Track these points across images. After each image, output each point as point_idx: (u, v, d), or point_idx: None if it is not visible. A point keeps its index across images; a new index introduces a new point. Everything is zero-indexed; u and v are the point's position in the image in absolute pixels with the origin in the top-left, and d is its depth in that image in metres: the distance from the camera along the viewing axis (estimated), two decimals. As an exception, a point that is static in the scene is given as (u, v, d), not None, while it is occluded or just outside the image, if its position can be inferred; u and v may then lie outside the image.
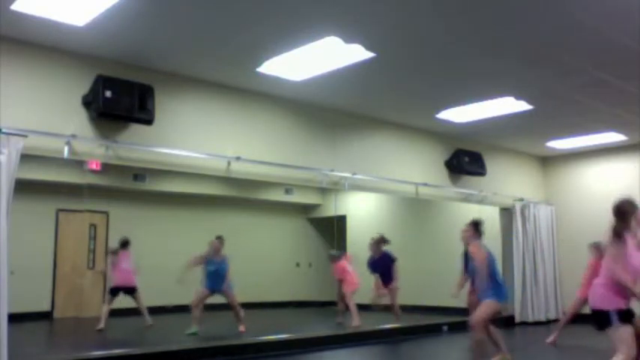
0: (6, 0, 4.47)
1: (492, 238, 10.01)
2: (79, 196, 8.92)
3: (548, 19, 4.81)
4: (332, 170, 7.46)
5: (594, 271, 5.92)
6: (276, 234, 12.55)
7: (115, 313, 8.26)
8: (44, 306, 7.29)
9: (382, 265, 8.81)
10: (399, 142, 8.46)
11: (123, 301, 8.37)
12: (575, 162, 10.42)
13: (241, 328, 7.82)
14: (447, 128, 8.55)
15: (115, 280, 8.26)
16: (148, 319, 8.28)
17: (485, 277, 5.49)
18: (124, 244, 8.54)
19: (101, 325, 7.79)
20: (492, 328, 5.73)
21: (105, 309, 7.97)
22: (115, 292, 8.12)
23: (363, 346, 7.39)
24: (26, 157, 5.09)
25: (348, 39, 5.19)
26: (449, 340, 8.10)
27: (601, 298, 4.01)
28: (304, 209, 12.88)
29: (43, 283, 7.21)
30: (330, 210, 10.56)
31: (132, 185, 9.41)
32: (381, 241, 8.98)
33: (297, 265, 12.63)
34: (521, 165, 10.43)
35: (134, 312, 8.74)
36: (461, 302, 7.37)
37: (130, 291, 8.21)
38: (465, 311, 7.45)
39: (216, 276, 7.84)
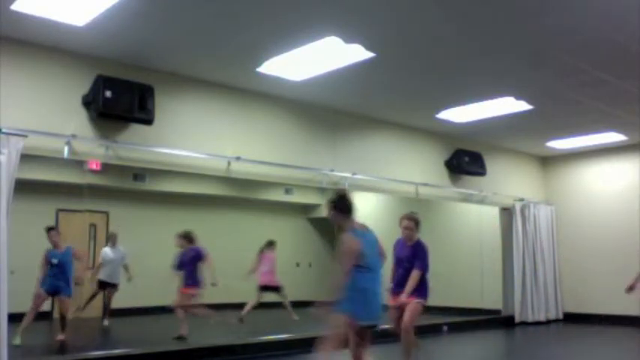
0: (6, 0, 4.47)
1: (492, 238, 10.10)
2: (79, 196, 8.90)
3: (549, 19, 4.80)
4: (332, 170, 7.47)
5: None
6: (276, 234, 12.53)
7: (119, 313, 8.35)
8: (44, 306, 7.29)
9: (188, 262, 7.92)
10: (399, 142, 8.46)
11: (128, 301, 8.44)
12: (575, 162, 10.42)
13: (61, 336, 7.11)
14: (447, 128, 8.55)
15: (259, 280, 9.14)
16: (293, 314, 9.09)
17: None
18: (269, 244, 9.37)
19: (243, 314, 8.68)
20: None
21: (252, 303, 8.89)
22: (262, 289, 9.04)
23: (363, 346, 7.37)
24: (26, 157, 5.09)
25: (348, 39, 5.19)
26: (449, 340, 8.09)
27: None
28: (304, 209, 12.87)
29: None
30: (330, 210, 10.58)
31: (132, 185, 9.40)
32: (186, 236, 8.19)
33: (297, 265, 12.62)
34: (521, 165, 10.43)
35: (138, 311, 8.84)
36: (462, 302, 7.37)
37: (275, 289, 9.13)
38: (466, 311, 7.48)
39: (59, 274, 7.07)
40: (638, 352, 7.04)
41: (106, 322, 8.35)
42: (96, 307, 8.56)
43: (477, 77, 6.37)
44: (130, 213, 10.35)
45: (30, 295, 7.01)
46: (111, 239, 8.78)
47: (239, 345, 6.66)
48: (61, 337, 7.21)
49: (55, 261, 7.06)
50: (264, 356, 6.53)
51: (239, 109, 6.80)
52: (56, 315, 7.56)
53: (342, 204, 4.12)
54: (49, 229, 7.20)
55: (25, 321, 6.80)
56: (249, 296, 11.73)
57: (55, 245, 7.14)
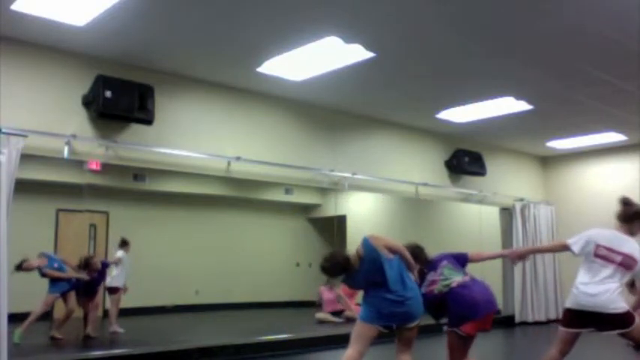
0: (6, 0, 4.47)
1: (492, 238, 10.10)
2: (79, 196, 8.91)
3: (549, 19, 4.81)
4: (332, 170, 7.46)
5: None
6: (276, 234, 12.55)
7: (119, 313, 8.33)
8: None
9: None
10: (399, 142, 8.45)
11: (128, 301, 8.44)
12: (575, 162, 10.42)
13: (57, 334, 7.26)
14: (447, 128, 8.55)
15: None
16: None
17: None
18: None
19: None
20: None
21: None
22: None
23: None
24: (26, 157, 5.09)
25: (348, 39, 5.19)
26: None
27: None
28: (304, 209, 12.87)
29: (43, 283, 7.22)
30: (330, 210, 10.54)
31: (132, 185, 9.41)
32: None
33: (297, 265, 12.62)
34: (521, 165, 10.43)
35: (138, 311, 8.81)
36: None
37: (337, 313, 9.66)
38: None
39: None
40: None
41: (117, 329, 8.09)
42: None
43: (477, 77, 6.37)
44: (130, 213, 10.34)
45: (30, 295, 7.03)
46: (126, 245, 8.49)
47: (239, 345, 6.65)
48: (58, 334, 7.25)
49: (56, 265, 7.24)
50: (264, 356, 6.53)
51: (239, 109, 6.80)
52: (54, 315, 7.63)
53: (336, 271, 3.88)
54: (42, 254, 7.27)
55: (30, 321, 6.84)
56: (248, 296, 11.75)
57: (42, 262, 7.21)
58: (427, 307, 4.05)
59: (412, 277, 3.92)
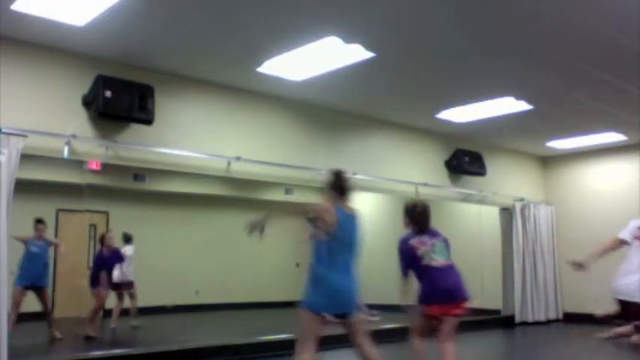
0: (6, 0, 4.47)
1: (492, 238, 10.10)
2: (79, 196, 8.91)
3: (549, 18, 4.81)
4: (332, 170, 7.45)
5: None
6: (276, 234, 12.53)
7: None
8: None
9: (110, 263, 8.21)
10: (399, 142, 8.45)
11: (128, 301, 8.46)
12: (575, 162, 10.42)
13: (58, 335, 7.23)
14: (447, 128, 8.55)
15: None
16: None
17: None
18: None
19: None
20: None
21: None
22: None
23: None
24: (26, 157, 5.09)
25: (348, 39, 5.19)
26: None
27: None
28: (304, 209, 12.86)
29: (42, 283, 7.24)
30: (330, 210, 10.60)
31: (132, 185, 9.40)
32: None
33: (297, 265, 12.61)
34: (521, 165, 10.43)
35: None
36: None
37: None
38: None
39: (37, 266, 7.05)
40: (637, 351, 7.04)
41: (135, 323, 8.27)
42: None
43: (477, 77, 6.37)
44: (130, 213, 10.35)
45: (30, 295, 7.03)
46: (130, 240, 8.79)
47: (239, 345, 6.66)
48: (59, 335, 7.24)
49: (34, 249, 7.03)
50: (264, 356, 6.53)
51: (239, 109, 6.80)
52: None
53: (338, 183, 4.11)
54: (40, 221, 7.33)
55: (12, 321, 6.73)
56: (248, 296, 11.77)
57: (39, 237, 7.20)
58: (403, 257, 4.43)
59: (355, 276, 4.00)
